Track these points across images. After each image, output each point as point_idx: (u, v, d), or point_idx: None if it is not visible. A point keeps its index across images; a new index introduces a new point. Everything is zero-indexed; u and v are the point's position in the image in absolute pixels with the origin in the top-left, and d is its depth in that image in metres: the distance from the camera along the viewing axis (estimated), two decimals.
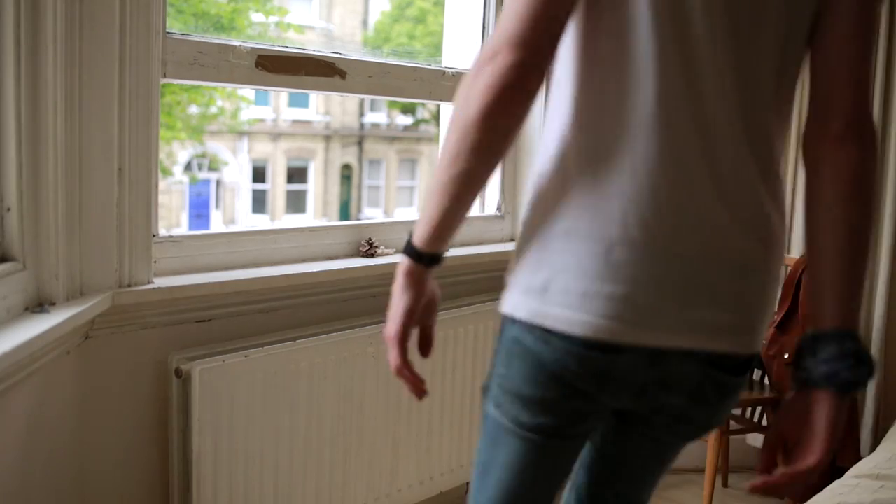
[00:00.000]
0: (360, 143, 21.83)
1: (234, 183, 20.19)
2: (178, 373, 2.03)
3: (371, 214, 21.26)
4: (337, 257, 2.52)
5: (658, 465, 1.48)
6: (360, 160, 21.76)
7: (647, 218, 1.19)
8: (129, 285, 2.00)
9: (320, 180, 21.15)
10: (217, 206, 20.22)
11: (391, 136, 22.16)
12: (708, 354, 1.25)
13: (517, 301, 1.28)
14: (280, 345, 2.19)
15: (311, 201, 21.05)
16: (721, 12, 1.19)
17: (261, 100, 19.78)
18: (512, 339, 1.30)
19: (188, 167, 19.44)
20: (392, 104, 20.42)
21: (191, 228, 19.20)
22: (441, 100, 2.82)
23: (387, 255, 2.59)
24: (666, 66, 1.18)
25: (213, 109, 16.10)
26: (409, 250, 1.30)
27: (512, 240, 3.13)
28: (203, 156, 19.45)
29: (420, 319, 1.36)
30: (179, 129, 14.20)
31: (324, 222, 12.16)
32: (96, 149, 1.89)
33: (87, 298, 1.88)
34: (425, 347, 1.40)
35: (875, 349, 3.29)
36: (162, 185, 7.00)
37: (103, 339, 2.00)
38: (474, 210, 3.07)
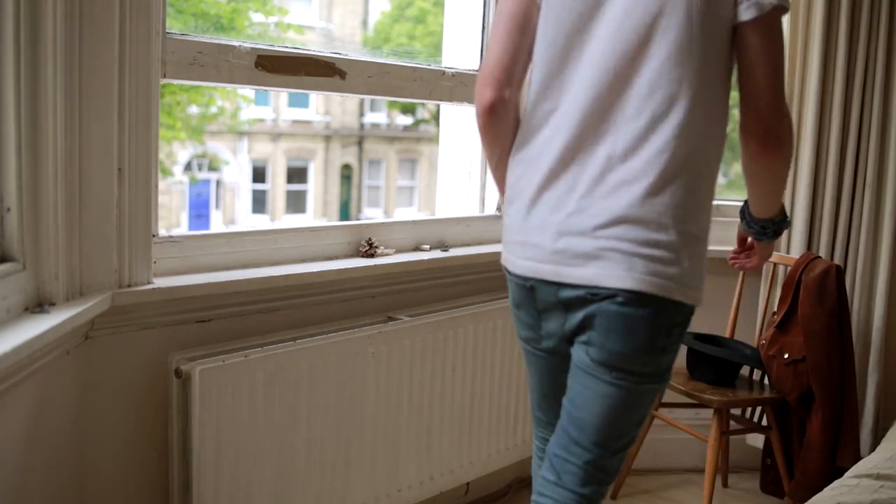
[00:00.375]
0: (360, 143, 21.82)
1: (234, 183, 20.19)
2: (178, 373, 2.02)
3: (371, 214, 21.25)
4: (337, 257, 2.52)
5: (600, 402, 1.75)
6: (360, 160, 21.76)
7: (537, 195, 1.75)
8: (129, 285, 2.00)
9: (320, 180, 21.14)
10: (217, 207, 20.21)
11: (391, 136, 22.15)
12: (586, 288, 1.69)
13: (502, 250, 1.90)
14: (280, 345, 2.19)
15: (311, 201, 21.05)
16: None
17: (261, 100, 19.79)
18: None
19: (188, 167, 19.44)
20: (392, 104, 20.41)
21: (191, 228, 19.20)
22: (441, 100, 2.82)
23: (387, 255, 2.59)
24: (545, 104, 1.75)
25: (213, 109, 16.10)
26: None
27: None
28: (203, 156, 19.44)
29: None
30: (179, 128, 14.19)
31: (324, 222, 12.18)
32: (96, 149, 1.89)
33: (86, 298, 1.88)
34: None
35: (875, 349, 3.30)
36: (162, 185, 7.01)
37: (103, 340, 2.00)
38: (474, 210, 3.08)
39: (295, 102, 20.88)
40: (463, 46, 3.04)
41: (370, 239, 2.57)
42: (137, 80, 1.96)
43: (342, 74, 2.51)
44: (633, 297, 1.66)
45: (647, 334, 1.70)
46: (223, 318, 2.22)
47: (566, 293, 1.73)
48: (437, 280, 2.75)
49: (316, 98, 20.91)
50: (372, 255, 2.54)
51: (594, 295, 1.69)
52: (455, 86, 2.84)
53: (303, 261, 2.43)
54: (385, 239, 2.64)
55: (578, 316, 1.73)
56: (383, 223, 2.69)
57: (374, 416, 2.43)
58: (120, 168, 1.94)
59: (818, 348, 2.96)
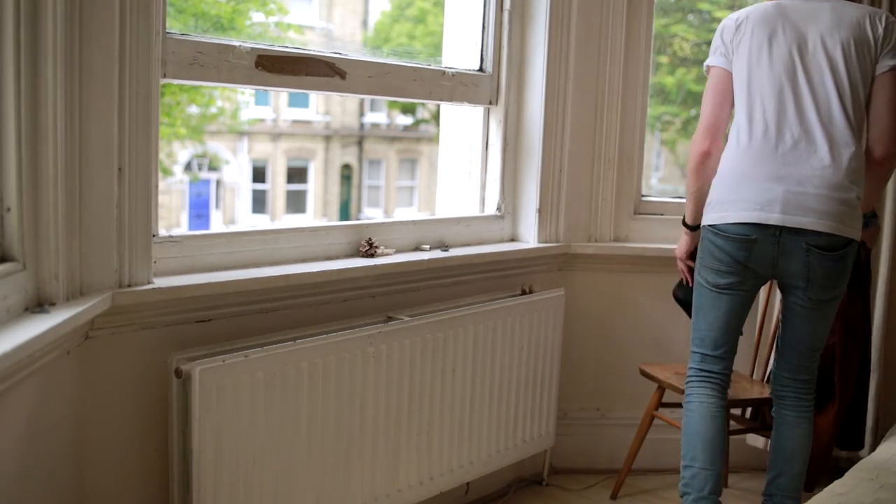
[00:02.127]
0: (360, 143, 21.81)
1: (234, 183, 20.19)
2: (178, 373, 2.02)
3: (371, 214, 21.24)
4: (337, 257, 2.52)
5: (813, 321, 2.55)
6: (360, 160, 21.75)
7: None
8: (129, 285, 2.00)
9: (320, 180, 21.14)
10: (217, 206, 20.20)
11: (391, 136, 22.15)
12: (805, 236, 2.41)
13: (706, 217, 2.56)
14: (280, 345, 2.19)
15: (311, 201, 21.04)
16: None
17: (261, 100, 19.78)
18: (703, 237, 2.57)
19: (188, 167, 19.43)
20: (392, 104, 20.41)
21: (191, 228, 19.19)
22: (441, 100, 2.82)
23: (387, 254, 2.59)
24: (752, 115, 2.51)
25: (213, 110, 16.08)
26: (684, 223, 2.76)
27: (512, 240, 3.14)
28: (203, 156, 19.43)
29: (689, 259, 2.77)
30: (179, 125, 14.17)
31: (324, 222, 12.17)
32: (96, 149, 1.89)
33: (87, 298, 1.88)
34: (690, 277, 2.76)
35: (875, 349, 3.30)
36: (162, 185, 7.02)
37: (103, 340, 2.00)
38: (474, 210, 3.08)
39: (295, 102, 20.87)
40: (463, 46, 3.04)
41: (370, 239, 2.57)
42: (137, 80, 1.96)
43: (342, 74, 2.51)
44: (841, 246, 2.50)
45: None
46: (223, 318, 2.22)
47: (792, 243, 2.45)
48: (437, 280, 2.75)
49: (316, 98, 20.91)
50: (372, 255, 2.54)
51: (813, 245, 2.46)
52: (455, 86, 2.84)
53: (303, 261, 2.43)
54: (385, 239, 2.64)
55: (795, 259, 2.48)
56: (383, 223, 2.69)
57: (374, 416, 2.43)
58: (120, 168, 1.94)
59: (848, 336, 2.93)
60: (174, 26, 2.14)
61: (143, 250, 2.02)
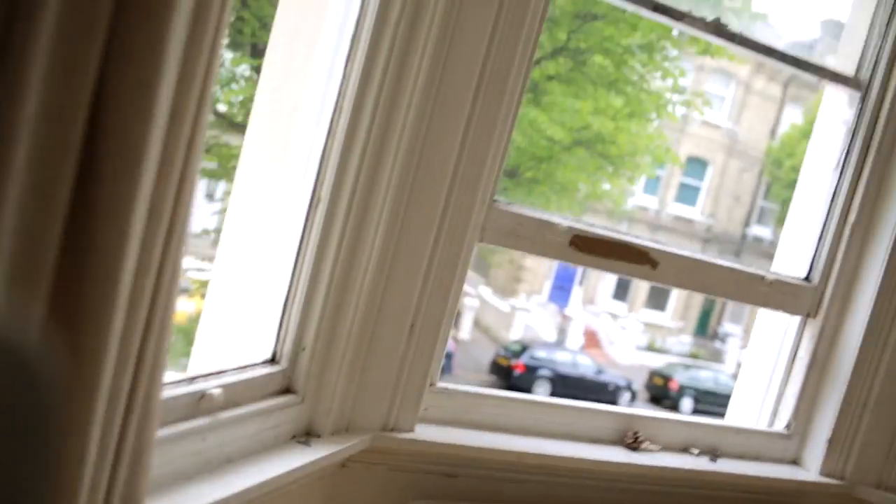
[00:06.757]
0: (737, 253, 21.26)
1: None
2: None
3: (730, 330, 20.60)
4: (601, 441, 2.53)
5: None
6: None
7: None
8: (392, 429, 2.17)
9: None
10: (580, 283, 20.61)
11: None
12: None
13: None
14: None
15: (673, 300, 20.81)
16: None
17: (650, 188, 19.93)
18: None
19: None
20: (780, 219, 19.77)
21: (551, 299, 19.74)
22: (755, 304, 2.76)
23: (651, 450, 2.56)
24: None
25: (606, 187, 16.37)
26: None
27: (793, 462, 2.92)
28: None
29: None
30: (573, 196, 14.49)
31: (677, 324, 11.92)
32: (395, 305, 2.09)
33: (349, 436, 2.07)
34: None
35: None
36: None
37: (356, 471, 2.16)
38: (762, 423, 2.91)
39: (682, 198, 20.87)
40: (795, 254, 2.92)
41: (636, 432, 2.57)
42: (452, 244, 2.14)
43: (654, 264, 2.54)
44: None
45: None
46: (470, 478, 2.32)
47: None
48: (698, 491, 2.66)
49: (704, 197, 20.76)
50: (636, 449, 2.53)
51: None
52: (772, 293, 2.77)
53: (565, 437, 2.48)
54: (652, 434, 2.61)
55: None
56: (654, 418, 2.67)
57: None
58: (412, 324, 2.13)
59: None
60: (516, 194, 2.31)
61: (415, 398, 2.18)
